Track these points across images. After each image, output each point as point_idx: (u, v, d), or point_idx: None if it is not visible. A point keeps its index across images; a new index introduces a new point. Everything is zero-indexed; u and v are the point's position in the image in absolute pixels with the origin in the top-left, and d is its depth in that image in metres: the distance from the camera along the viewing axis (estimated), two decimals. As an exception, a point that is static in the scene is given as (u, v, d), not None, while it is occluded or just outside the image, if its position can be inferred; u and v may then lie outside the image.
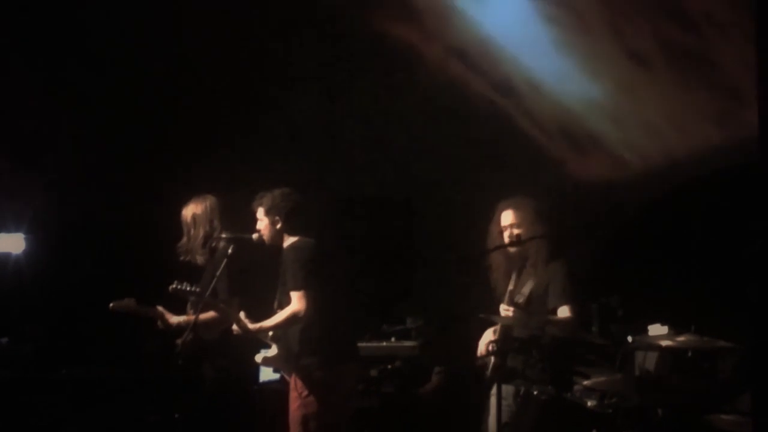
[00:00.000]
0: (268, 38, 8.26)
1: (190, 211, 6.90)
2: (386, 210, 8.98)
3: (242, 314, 6.33)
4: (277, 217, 6.39)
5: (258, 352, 6.41)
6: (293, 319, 6.16)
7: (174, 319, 6.73)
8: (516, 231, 6.29)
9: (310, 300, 6.11)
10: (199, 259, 6.83)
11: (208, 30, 8.16)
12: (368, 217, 8.94)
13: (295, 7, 8.06)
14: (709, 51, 7.00)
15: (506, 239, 6.32)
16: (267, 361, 6.38)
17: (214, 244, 6.78)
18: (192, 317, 6.56)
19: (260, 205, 6.45)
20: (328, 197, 8.19)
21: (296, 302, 6.15)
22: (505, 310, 6.13)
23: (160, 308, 6.76)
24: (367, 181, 8.76)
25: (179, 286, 6.45)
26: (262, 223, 6.44)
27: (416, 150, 8.46)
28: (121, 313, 6.77)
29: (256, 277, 6.69)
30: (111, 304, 6.73)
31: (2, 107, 8.55)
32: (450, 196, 8.41)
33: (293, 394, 6.23)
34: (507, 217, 6.34)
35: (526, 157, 7.98)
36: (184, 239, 6.91)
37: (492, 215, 6.46)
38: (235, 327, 6.34)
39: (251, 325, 6.28)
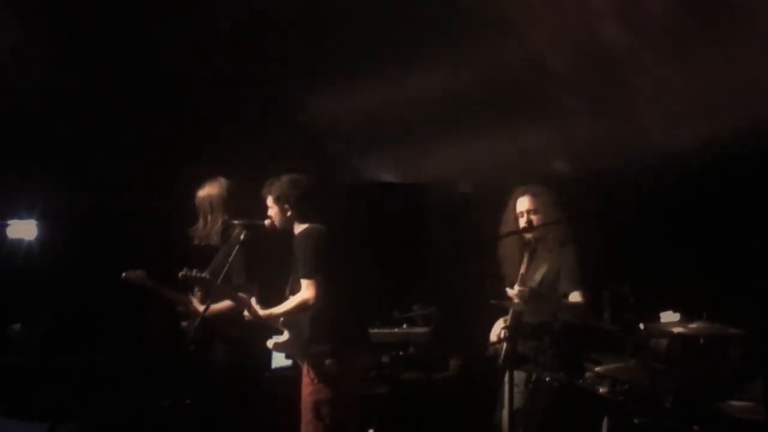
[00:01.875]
0: (270, 22, 8.26)
1: (207, 195, 6.89)
2: (397, 195, 8.99)
3: (253, 300, 6.34)
4: (286, 205, 6.38)
5: (270, 337, 6.42)
6: (302, 306, 6.17)
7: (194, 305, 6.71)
8: (533, 216, 6.33)
9: (320, 288, 6.12)
10: (214, 243, 6.84)
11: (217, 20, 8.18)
12: (379, 202, 8.94)
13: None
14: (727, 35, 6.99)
15: (522, 224, 6.34)
16: (278, 347, 6.38)
17: (228, 230, 6.78)
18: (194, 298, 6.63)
19: (269, 192, 6.44)
20: (338, 183, 8.19)
21: (305, 290, 6.15)
22: (519, 290, 6.14)
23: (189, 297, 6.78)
24: (378, 167, 8.76)
25: (189, 273, 6.46)
26: (273, 210, 6.44)
27: (427, 135, 8.46)
28: (133, 284, 6.77)
29: (269, 263, 6.70)
30: (123, 274, 6.74)
31: (14, 97, 8.58)
32: (461, 182, 8.43)
33: (305, 380, 6.24)
34: (524, 203, 6.39)
35: (539, 142, 7.98)
36: (201, 223, 6.90)
37: (506, 201, 6.49)
38: (246, 313, 6.36)
39: (261, 312, 6.29)
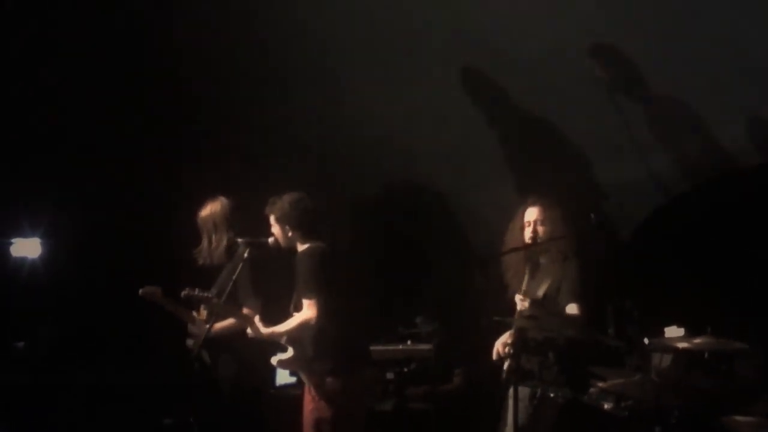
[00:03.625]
0: (271, 38, 8.26)
1: (209, 214, 6.91)
2: (400, 211, 8.99)
3: (257, 318, 6.35)
4: (287, 225, 6.40)
5: (275, 354, 6.42)
6: (304, 325, 6.19)
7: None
8: (539, 228, 6.31)
9: (322, 307, 6.13)
10: (219, 262, 6.85)
11: (219, 33, 8.19)
12: (383, 219, 8.94)
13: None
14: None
15: (528, 235, 6.33)
16: (282, 364, 6.40)
17: (232, 248, 6.79)
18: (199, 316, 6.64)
19: (271, 212, 6.46)
20: (340, 200, 8.19)
21: (307, 310, 6.17)
22: (522, 300, 6.13)
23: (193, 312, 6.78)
24: (380, 183, 8.75)
25: (192, 292, 6.46)
26: (275, 229, 6.45)
27: (429, 150, 8.45)
28: (149, 300, 6.76)
29: (273, 280, 6.70)
30: (140, 291, 6.74)
31: (17, 111, 8.59)
32: (464, 197, 8.42)
33: (307, 398, 6.25)
34: (532, 213, 6.38)
35: (541, 157, 7.97)
36: (204, 243, 6.92)
37: (511, 214, 6.48)
38: (249, 331, 6.36)
39: (264, 330, 6.30)
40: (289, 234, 6.39)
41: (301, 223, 6.36)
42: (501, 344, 6.35)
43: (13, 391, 8.28)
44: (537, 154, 8.00)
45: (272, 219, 6.45)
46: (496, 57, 7.62)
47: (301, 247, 6.37)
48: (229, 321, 6.58)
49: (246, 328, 6.38)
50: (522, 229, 6.42)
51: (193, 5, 8.02)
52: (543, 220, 6.35)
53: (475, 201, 8.23)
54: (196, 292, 6.45)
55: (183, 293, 6.45)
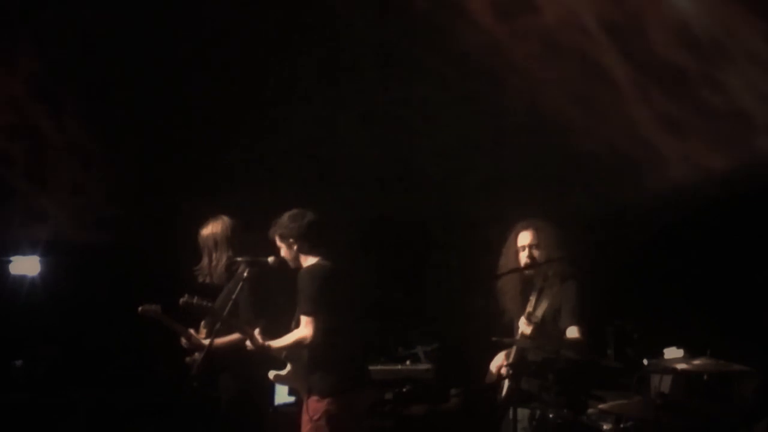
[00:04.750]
0: (281, 55, 8.29)
1: (211, 233, 6.91)
2: (401, 232, 8.99)
3: (257, 331, 6.34)
4: (291, 240, 6.37)
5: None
6: (301, 343, 6.17)
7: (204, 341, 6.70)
8: (535, 251, 6.29)
9: (319, 326, 6.10)
10: (219, 281, 6.85)
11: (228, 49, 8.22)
12: (384, 238, 8.95)
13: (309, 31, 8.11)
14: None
15: (523, 259, 6.31)
16: (280, 379, 6.38)
17: (233, 267, 6.80)
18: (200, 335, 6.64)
19: (275, 232, 6.42)
20: (341, 219, 8.19)
21: (304, 327, 6.15)
22: (526, 325, 6.13)
23: (191, 330, 6.78)
24: (381, 203, 8.76)
25: (191, 300, 6.46)
26: (282, 249, 6.42)
27: (431, 172, 8.46)
28: (148, 318, 6.76)
29: (274, 299, 6.69)
30: (140, 308, 6.73)
31: (19, 129, 8.61)
32: (465, 218, 8.43)
33: (305, 417, 6.21)
34: (525, 238, 6.34)
35: (541, 180, 7.99)
36: (205, 261, 6.92)
37: (508, 236, 6.47)
38: (248, 343, 6.35)
39: (262, 341, 6.29)
40: (295, 248, 6.32)
41: (304, 235, 6.30)
42: (496, 366, 6.34)
43: (11, 410, 8.27)
44: (538, 174, 8.03)
45: (277, 239, 6.39)
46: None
47: (306, 263, 6.31)
48: (229, 338, 6.57)
49: (245, 344, 6.38)
50: (516, 253, 6.38)
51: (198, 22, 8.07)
52: (538, 244, 6.32)
53: (476, 220, 8.22)
54: (195, 300, 6.45)
55: (181, 300, 6.45)
